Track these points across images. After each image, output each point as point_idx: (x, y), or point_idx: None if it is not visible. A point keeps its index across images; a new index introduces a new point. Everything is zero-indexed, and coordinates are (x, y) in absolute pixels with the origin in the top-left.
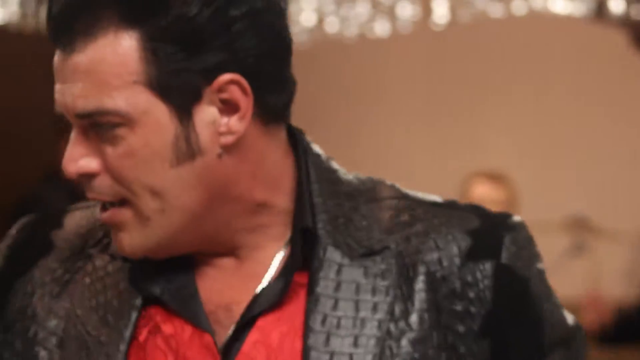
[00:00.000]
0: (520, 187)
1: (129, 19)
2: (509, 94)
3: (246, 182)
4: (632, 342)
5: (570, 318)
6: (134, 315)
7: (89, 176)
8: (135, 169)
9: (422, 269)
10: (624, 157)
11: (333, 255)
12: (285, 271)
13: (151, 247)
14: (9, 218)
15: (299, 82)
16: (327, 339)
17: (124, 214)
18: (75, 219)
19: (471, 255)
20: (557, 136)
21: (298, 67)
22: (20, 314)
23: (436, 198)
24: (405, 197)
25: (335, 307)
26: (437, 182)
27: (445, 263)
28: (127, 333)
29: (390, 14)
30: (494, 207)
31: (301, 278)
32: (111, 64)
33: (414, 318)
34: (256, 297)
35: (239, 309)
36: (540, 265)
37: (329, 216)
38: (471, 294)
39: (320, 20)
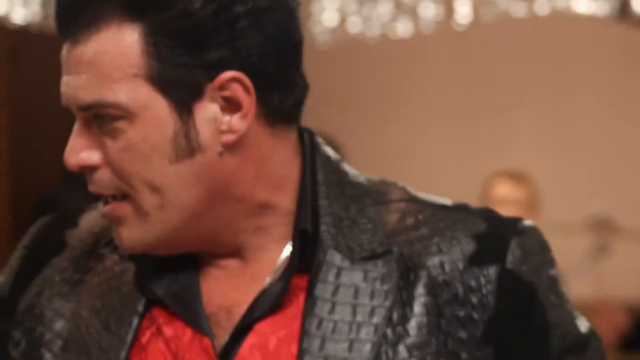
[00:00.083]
0: (542, 188)
1: (133, 12)
2: (532, 94)
3: (249, 182)
4: None
5: (584, 326)
6: (135, 321)
7: (91, 169)
8: (134, 163)
9: (423, 273)
10: None
11: (333, 258)
12: (285, 274)
13: (150, 242)
14: (29, 217)
15: (320, 82)
16: (323, 343)
17: (124, 208)
18: (91, 219)
19: (475, 260)
20: (579, 136)
21: (320, 67)
22: (28, 314)
23: (446, 201)
24: (414, 199)
25: (332, 310)
26: (459, 182)
27: (447, 267)
28: (129, 338)
29: (413, 14)
30: (515, 207)
31: (302, 281)
32: (113, 56)
33: (412, 323)
34: (256, 301)
35: (239, 312)
36: (552, 272)
37: (333, 219)
38: (474, 300)
39: (343, 21)
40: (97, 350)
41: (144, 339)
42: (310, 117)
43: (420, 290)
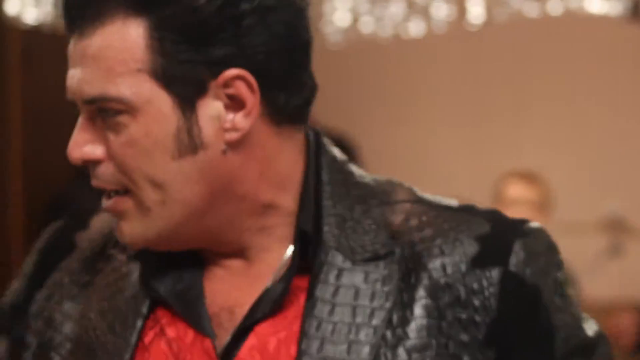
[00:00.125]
0: (555, 188)
1: (138, 7)
2: (544, 94)
3: (253, 181)
4: None
5: (591, 329)
6: (139, 322)
7: (94, 163)
8: (136, 158)
9: (425, 275)
10: None
11: (335, 259)
12: (286, 275)
13: (151, 237)
14: (41, 216)
15: (333, 82)
16: (322, 345)
17: (126, 203)
18: (101, 220)
19: (478, 262)
20: (592, 136)
21: (332, 68)
22: (39, 318)
23: (452, 202)
24: (419, 200)
25: (332, 312)
26: (472, 183)
27: (449, 270)
28: (132, 340)
29: (425, 14)
30: (527, 208)
31: (304, 282)
32: (117, 50)
33: (412, 326)
34: (257, 302)
35: (241, 312)
36: (559, 275)
37: (337, 219)
38: (476, 302)
39: (355, 21)
40: (102, 352)
41: (147, 340)
42: (321, 117)
43: (421, 292)
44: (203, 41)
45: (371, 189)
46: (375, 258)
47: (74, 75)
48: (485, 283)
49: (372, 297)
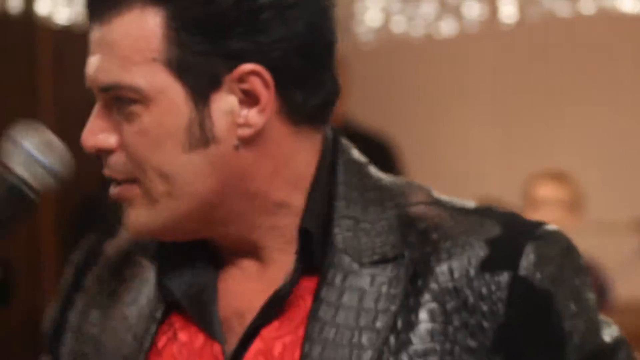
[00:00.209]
0: (588, 187)
1: None
2: (577, 93)
3: (265, 179)
4: None
5: (610, 335)
6: (153, 327)
7: (107, 152)
8: (147, 148)
9: (432, 279)
10: None
11: (342, 261)
12: (292, 277)
13: (155, 228)
14: (72, 218)
15: (364, 81)
16: (324, 348)
17: (133, 191)
18: None
19: (487, 266)
20: (624, 136)
21: (363, 67)
22: (74, 334)
23: (469, 204)
24: (435, 202)
25: (336, 315)
26: (503, 182)
27: (457, 274)
28: (146, 345)
29: (457, 13)
30: (557, 208)
31: (313, 284)
32: (134, 38)
33: (417, 331)
34: (264, 306)
35: (251, 317)
36: (576, 280)
37: (349, 221)
38: (484, 308)
39: (386, 20)
40: (118, 356)
41: (161, 344)
42: (353, 116)
43: (427, 296)
44: (219, 34)
45: (388, 192)
46: (383, 261)
47: (92, 63)
48: (493, 287)
49: (377, 300)
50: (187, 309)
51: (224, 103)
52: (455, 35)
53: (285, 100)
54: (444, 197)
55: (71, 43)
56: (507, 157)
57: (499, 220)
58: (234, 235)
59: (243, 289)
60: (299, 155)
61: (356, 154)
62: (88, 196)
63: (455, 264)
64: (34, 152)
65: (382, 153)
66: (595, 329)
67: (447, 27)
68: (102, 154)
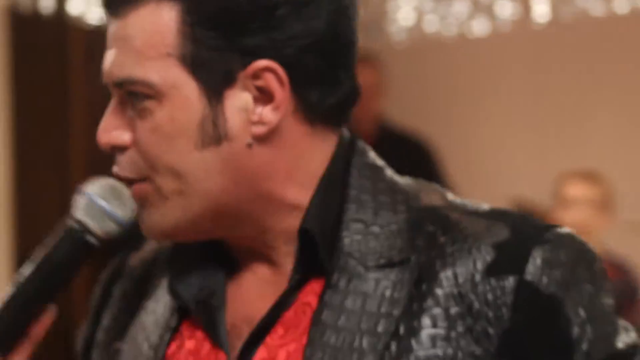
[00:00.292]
0: (620, 187)
1: None
2: (610, 93)
3: (278, 179)
4: None
5: (624, 341)
6: (167, 335)
7: (121, 149)
8: (159, 145)
9: (436, 284)
10: None
11: (348, 264)
12: (293, 281)
13: (167, 228)
14: None
15: (397, 81)
16: (326, 353)
17: (145, 189)
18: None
19: (493, 270)
20: None
21: (396, 67)
22: (99, 348)
23: (481, 207)
24: (447, 206)
25: (338, 319)
26: (536, 181)
27: (462, 279)
28: (160, 353)
29: (490, 12)
30: (587, 207)
31: (320, 287)
32: (148, 33)
33: (419, 336)
34: (268, 313)
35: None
36: (588, 286)
37: (358, 224)
38: (490, 314)
39: (419, 19)
40: None
41: (170, 352)
42: (386, 115)
43: (430, 302)
44: (234, 29)
45: (401, 195)
46: (389, 265)
47: (108, 58)
48: (499, 292)
49: (380, 304)
50: (195, 314)
51: (238, 100)
52: (488, 34)
53: (301, 99)
54: (458, 199)
55: (103, 43)
56: (539, 156)
57: (508, 224)
58: (247, 237)
59: (254, 294)
60: (313, 155)
61: (373, 157)
62: None
63: (460, 269)
64: (95, 198)
65: (420, 154)
66: (607, 336)
67: (480, 27)
68: (116, 151)
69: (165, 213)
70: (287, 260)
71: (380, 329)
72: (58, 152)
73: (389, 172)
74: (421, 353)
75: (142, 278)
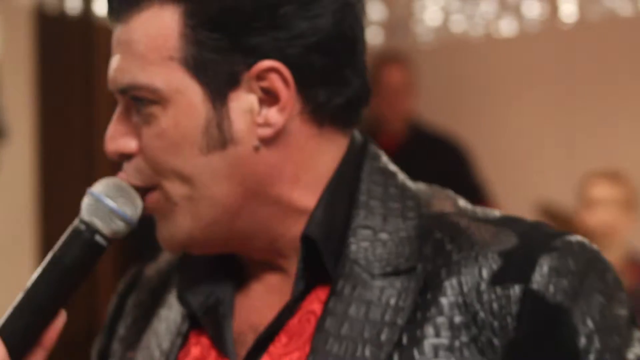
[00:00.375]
0: None
1: None
2: (638, 93)
3: (287, 183)
4: None
5: (634, 354)
6: (178, 341)
7: (128, 157)
8: (165, 151)
9: (441, 292)
10: None
11: (353, 271)
12: (296, 289)
13: (182, 238)
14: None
15: (424, 81)
16: None
17: (155, 197)
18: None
19: (498, 279)
20: None
21: (423, 67)
22: (115, 358)
23: (493, 214)
24: (458, 213)
25: (341, 327)
26: (563, 182)
27: (467, 288)
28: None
29: (517, 12)
30: (612, 208)
31: (325, 295)
32: (151, 37)
33: (422, 346)
34: (272, 321)
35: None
36: (599, 296)
37: (367, 231)
38: (495, 323)
39: (446, 19)
40: None
41: (178, 358)
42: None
43: (434, 310)
44: (237, 30)
45: (414, 201)
46: (395, 273)
47: (112, 64)
48: (504, 302)
49: (384, 312)
50: (202, 321)
51: (243, 102)
52: (515, 34)
53: (307, 99)
54: (470, 206)
55: None
56: (567, 157)
57: (517, 231)
58: (260, 250)
59: (262, 302)
60: (322, 158)
61: (385, 161)
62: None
63: (465, 277)
64: (102, 197)
65: (452, 153)
66: (617, 348)
67: (507, 27)
68: (124, 158)
69: (178, 222)
70: (295, 268)
71: (383, 338)
72: (84, 152)
73: (401, 177)
74: None
75: (157, 288)
